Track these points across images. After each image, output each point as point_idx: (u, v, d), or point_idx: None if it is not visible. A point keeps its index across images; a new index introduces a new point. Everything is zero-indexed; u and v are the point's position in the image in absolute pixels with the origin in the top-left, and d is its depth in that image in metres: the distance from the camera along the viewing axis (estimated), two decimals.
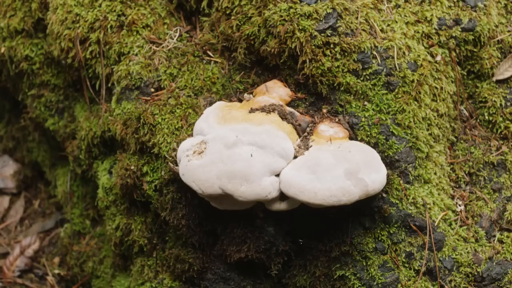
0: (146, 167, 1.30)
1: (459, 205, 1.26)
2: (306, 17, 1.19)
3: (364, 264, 1.19)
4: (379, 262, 1.19)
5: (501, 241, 1.24)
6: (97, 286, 1.64)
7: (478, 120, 1.33)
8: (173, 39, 1.37)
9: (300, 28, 1.18)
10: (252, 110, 1.16)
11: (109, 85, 1.42)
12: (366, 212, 1.18)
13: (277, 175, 1.10)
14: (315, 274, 1.20)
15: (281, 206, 1.12)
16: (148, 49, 1.36)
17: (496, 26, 1.31)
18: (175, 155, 1.20)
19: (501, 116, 1.31)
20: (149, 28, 1.39)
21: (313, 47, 1.18)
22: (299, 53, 1.19)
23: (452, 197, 1.26)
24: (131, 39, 1.38)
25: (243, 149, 1.08)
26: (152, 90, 1.32)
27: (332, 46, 1.18)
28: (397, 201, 1.19)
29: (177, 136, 1.24)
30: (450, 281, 1.20)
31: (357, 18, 1.21)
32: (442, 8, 1.28)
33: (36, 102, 1.63)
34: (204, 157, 1.10)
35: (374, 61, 1.19)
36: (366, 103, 1.20)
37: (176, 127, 1.25)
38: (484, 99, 1.32)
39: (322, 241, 1.19)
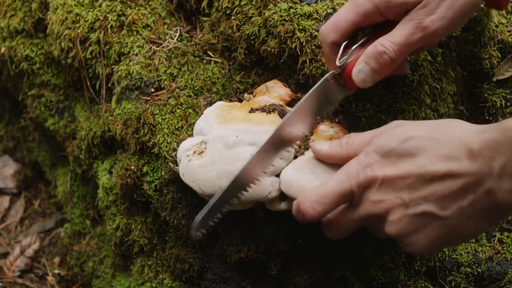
0: (146, 167, 1.30)
1: None
2: (306, 17, 1.19)
3: (364, 264, 1.19)
4: (379, 262, 1.19)
5: (501, 241, 1.24)
6: (97, 286, 1.64)
7: (478, 120, 1.33)
8: (173, 39, 1.37)
9: (300, 28, 1.18)
10: (252, 110, 1.16)
11: (109, 85, 1.42)
12: None
13: (277, 175, 1.10)
14: (315, 274, 1.20)
15: (281, 206, 1.12)
16: (148, 49, 1.36)
17: (496, 26, 1.31)
18: (175, 155, 1.20)
19: (501, 116, 1.31)
20: (149, 28, 1.39)
21: (314, 47, 1.18)
22: (299, 53, 1.19)
23: None
24: (131, 39, 1.38)
25: (244, 149, 1.08)
26: (152, 90, 1.32)
27: None
28: None
29: (177, 136, 1.24)
30: (450, 281, 1.20)
31: None
32: None
33: (36, 102, 1.63)
34: (205, 157, 1.10)
35: None
36: (366, 103, 1.19)
37: (176, 127, 1.25)
38: (484, 99, 1.32)
39: (322, 241, 1.19)
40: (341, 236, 1.04)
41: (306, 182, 1.06)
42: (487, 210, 0.86)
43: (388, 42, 1.00)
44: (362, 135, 1.00)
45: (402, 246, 0.94)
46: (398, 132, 0.94)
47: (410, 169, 0.89)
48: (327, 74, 1.08)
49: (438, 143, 0.89)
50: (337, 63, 1.06)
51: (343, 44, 1.05)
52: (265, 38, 1.23)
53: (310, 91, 1.08)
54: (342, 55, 1.05)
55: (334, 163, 1.04)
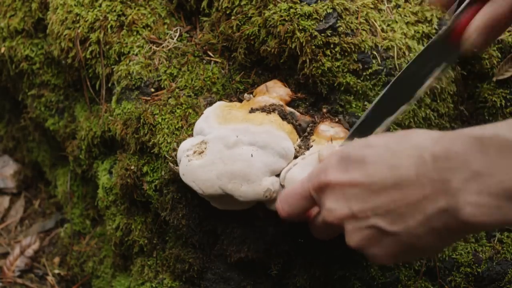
0: (146, 167, 1.30)
1: None
2: (306, 17, 1.19)
3: (364, 264, 1.19)
4: None
5: (501, 241, 1.24)
6: (97, 286, 1.64)
7: (478, 120, 1.33)
8: (173, 39, 1.37)
9: (300, 28, 1.18)
10: (252, 110, 1.16)
11: (109, 85, 1.42)
12: None
13: (277, 175, 1.10)
14: (315, 274, 1.20)
15: None
16: (148, 49, 1.36)
17: None
18: (175, 155, 1.20)
19: (501, 116, 1.31)
20: (149, 28, 1.39)
21: (313, 47, 1.18)
22: (299, 53, 1.19)
23: None
24: (131, 39, 1.38)
25: (244, 149, 1.08)
26: (152, 90, 1.32)
27: (332, 46, 1.18)
28: None
29: (177, 136, 1.24)
30: (450, 281, 1.20)
31: (357, 18, 1.21)
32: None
33: (36, 102, 1.63)
34: (205, 157, 1.10)
35: (374, 61, 1.19)
36: (366, 103, 1.19)
37: (176, 127, 1.25)
38: (484, 99, 1.32)
39: (322, 241, 1.19)
40: (324, 237, 1.02)
41: None
42: (445, 229, 0.77)
43: (497, 12, 0.95)
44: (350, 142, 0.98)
45: (367, 257, 0.89)
46: (361, 140, 0.89)
47: (358, 178, 0.83)
48: (439, 33, 1.04)
49: (390, 152, 0.81)
50: (448, 23, 1.03)
51: (456, 3, 1.03)
52: (265, 38, 1.23)
53: (423, 48, 1.06)
54: (453, 14, 1.03)
55: None
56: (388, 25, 1.24)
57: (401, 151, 0.80)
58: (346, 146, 0.91)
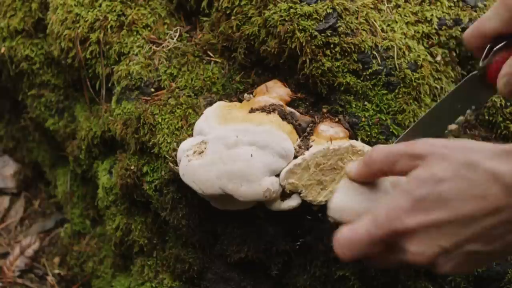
0: (146, 167, 1.30)
1: None
2: (306, 17, 1.19)
3: (364, 264, 1.19)
4: None
5: None
6: (97, 286, 1.64)
7: (478, 120, 1.33)
8: (173, 39, 1.37)
9: (300, 28, 1.18)
10: (252, 110, 1.16)
11: (109, 85, 1.42)
12: None
13: (277, 175, 1.10)
14: (315, 274, 1.20)
15: (281, 206, 1.12)
16: (148, 49, 1.36)
17: None
18: (175, 155, 1.20)
19: (501, 116, 1.31)
20: (149, 28, 1.39)
21: (313, 47, 1.18)
22: (299, 53, 1.19)
23: None
24: (131, 39, 1.38)
25: (244, 149, 1.08)
26: (152, 90, 1.32)
27: (332, 46, 1.18)
28: None
29: (177, 136, 1.24)
30: (450, 281, 1.20)
31: (357, 18, 1.21)
32: (442, 8, 1.28)
33: (36, 102, 1.63)
34: (205, 157, 1.10)
35: (374, 61, 1.19)
36: (366, 103, 1.20)
37: (176, 127, 1.25)
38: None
39: (322, 241, 1.19)
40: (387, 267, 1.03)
41: (357, 205, 1.05)
42: None
43: None
44: (384, 152, 0.96)
45: (446, 274, 0.92)
46: (425, 176, 0.88)
47: (444, 216, 0.85)
48: (470, 74, 1.07)
49: (468, 182, 0.84)
50: (480, 64, 1.05)
51: (487, 46, 1.04)
52: (265, 38, 1.23)
53: (453, 89, 1.09)
54: (485, 57, 1.05)
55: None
56: (388, 25, 1.24)
57: (478, 179, 0.83)
58: (414, 186, 0.89)
